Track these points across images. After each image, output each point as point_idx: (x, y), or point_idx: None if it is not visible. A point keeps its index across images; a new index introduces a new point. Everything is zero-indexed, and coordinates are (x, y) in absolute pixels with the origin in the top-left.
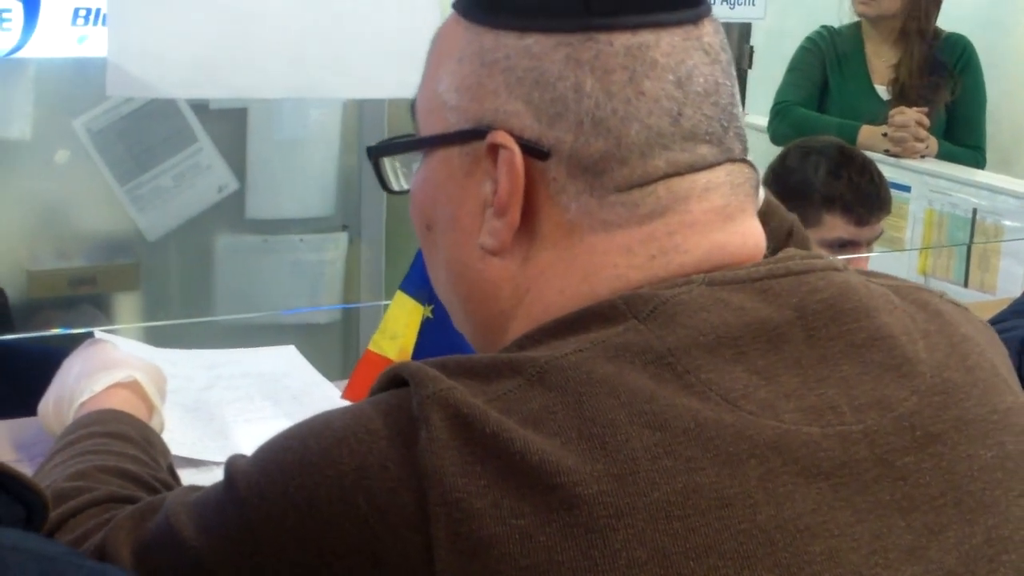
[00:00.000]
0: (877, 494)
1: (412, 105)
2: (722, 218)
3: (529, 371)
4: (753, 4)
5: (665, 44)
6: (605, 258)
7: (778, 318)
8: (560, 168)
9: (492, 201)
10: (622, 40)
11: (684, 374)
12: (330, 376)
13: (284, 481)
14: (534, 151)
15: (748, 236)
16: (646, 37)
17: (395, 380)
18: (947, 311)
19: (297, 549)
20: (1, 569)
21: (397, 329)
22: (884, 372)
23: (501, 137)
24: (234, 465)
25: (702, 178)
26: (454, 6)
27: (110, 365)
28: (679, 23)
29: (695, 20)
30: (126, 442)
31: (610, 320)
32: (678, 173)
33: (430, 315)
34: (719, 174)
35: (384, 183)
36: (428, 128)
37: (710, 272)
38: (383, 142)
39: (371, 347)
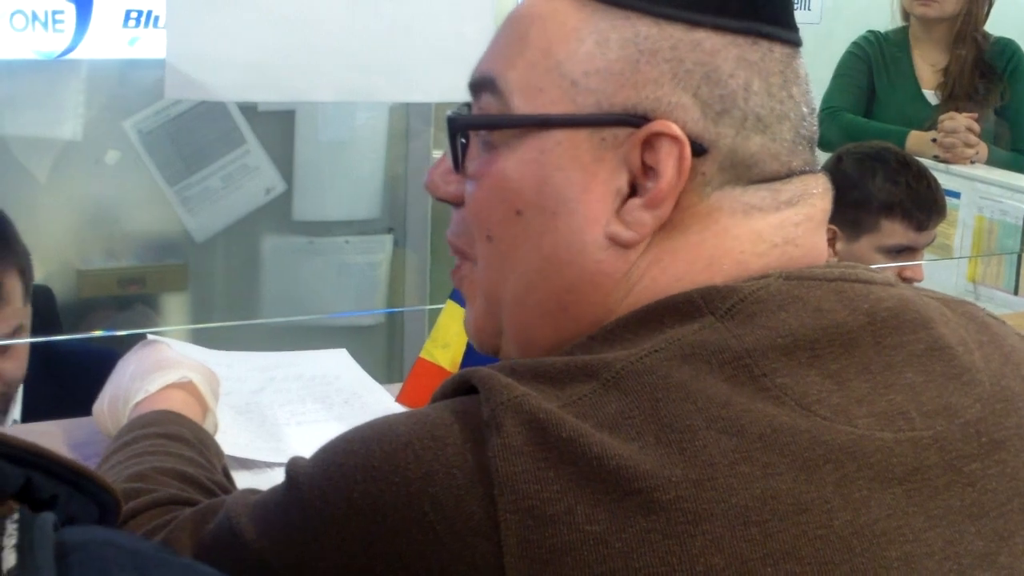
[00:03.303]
0: (948, 500)
1: (479, 81)
2: (822, 221)
3: (604, 375)
4: (809, 8)
5: (799, 60)
6: (735, 243)
7: (852, 322)
8: (713, 164)
9: (627, 190)
10: (779, 49)
11: (760, 377)
12: (376, 379)
13: (348, 486)
14: (694, 146)
15: (825, 243)
16: (791, 51)
17: (463, 386)
18: (992, 324)
19: (362, 554)
20: (100, 564)
21: (448, 338)
22: (947, 381)
23: (673, 128)
24: (296, 467)
25: (821, 179)
26: None
27: (165, 366)
28: (799, 45)
29: (800, 46)
30: (182, 444)
31: (687, 316)
32: (807, 171)
33: None
34: (828, 181)
35: (457, 159)
36: (536, 107)
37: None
38: (473, 116)
39: (423, 355)
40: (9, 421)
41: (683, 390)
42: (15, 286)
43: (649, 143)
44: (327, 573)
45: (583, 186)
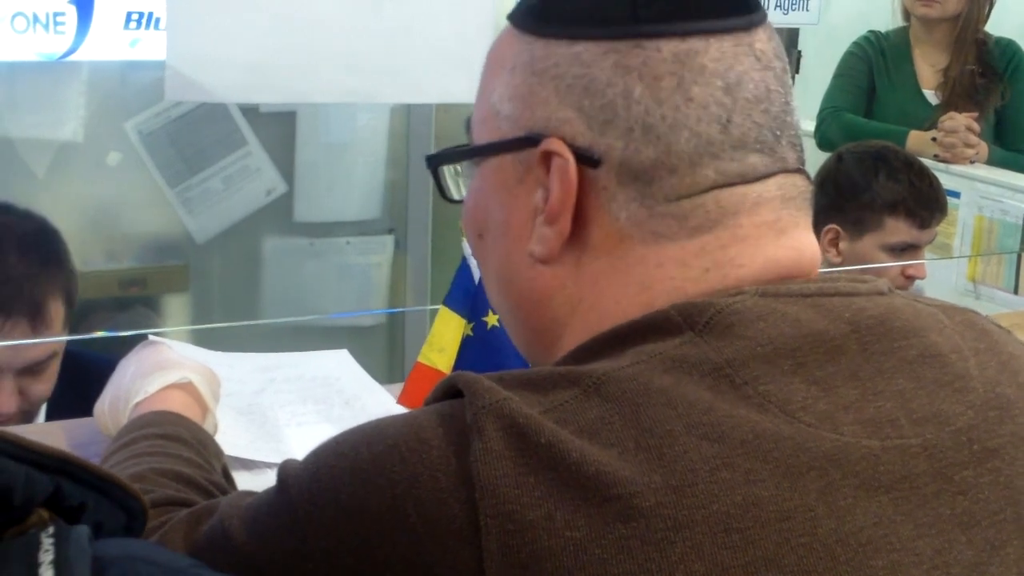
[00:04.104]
0: (937, 508)
1: (468, 121)
2: (774, 232)
3: (586, 382)
4: (807, 9)
5: (714, 50)
6: (660, 270)
7: (833, 331)
8: (611, 176)
9: (543, 208)
10: (670, 47)
11: (742, 385)
12: (377, 379)
13: (335, 488)
14: (586, 159)
15: (803, 250)
16: (695, 43)
17: (450, 390)
18: (993, 331)
19: (348, 556)
20: None
21: (444, 343)
22: (938, 388)
23: (555, 144)
24: (286, 470)
25: (752, 191)
26: (509, 17)
27: (165, 366)
28: (730, 30)
29: (747, 27)
30: (181, 444)
31: (666, 332)
32: (728, 184)
33: (470, 332)
34: (770, 187)
35: (443, 192)
36: (482, 138)
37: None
38: (441, 151)
39: (421, 359)
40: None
41: (664, 396)
42: (59, 311)
43: (545, 161)
44: (314, 575)
45: (510, 208)
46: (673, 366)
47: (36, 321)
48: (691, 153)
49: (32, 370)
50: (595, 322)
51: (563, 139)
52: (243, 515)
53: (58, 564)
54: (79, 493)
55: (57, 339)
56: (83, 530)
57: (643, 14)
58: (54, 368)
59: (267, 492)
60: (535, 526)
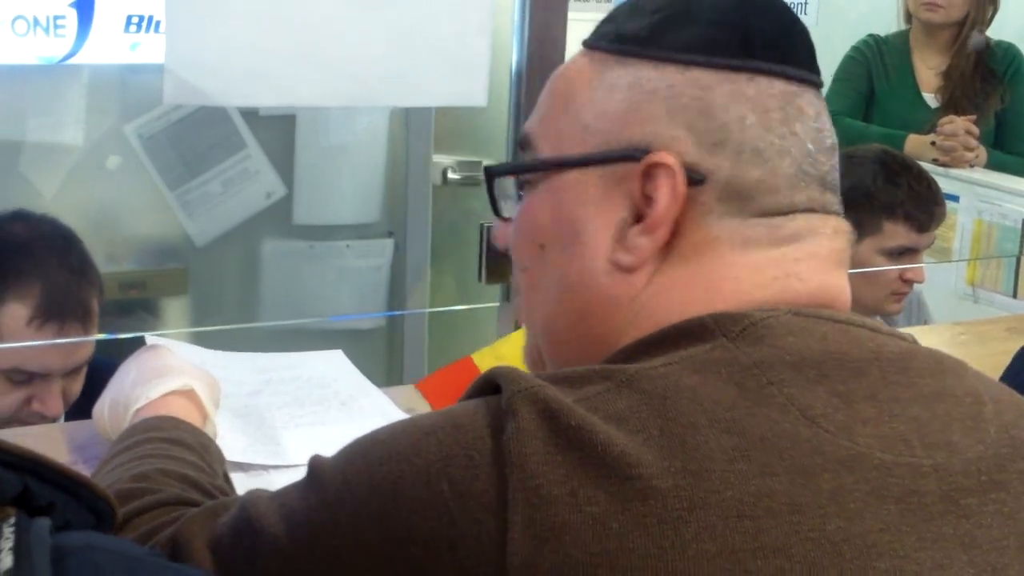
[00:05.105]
0: (941, 527)
1: (521, 140)
2: (836, 262)
3: (618, 377)
4: (805, 13)
5: (807, 97)
6: (731, 271)
7: (857, 354)
8: (711, 193)
9: (631, 220)
10: (779, 85)
11: (767, 385)
12: (376, 383)
13: (370, 470)
14: (691, 175)
15: (844, 288)
16: (795, 87)
17: (488, 385)
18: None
19: (377, 535)
20: (95, 569)
21: (503, 353)
22: (952, 421)
23: (667, 158)
24: (317, 460)
25: (832, 221)
26: (590, 44)
27: (167, 372)
28: (813, 84)
29: (818, 86)
30: (185, 448)
31: (699, 337)
32: (814, 210)
33: None
34: (843, 224)
35: (495, 206)
36: (556, 152)
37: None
38: (502, 164)
39: (474, 356)
40: None
41: (691, 392)
42: (96, 309)
43: (648, 174)
44: (338, 553)
45: (593, 218)
46: (703, 367)
47: (86, 322)
48: (791, 177)
49: (74, 372)
50: (654, 326)
51: (672, 154)
52: (269, 503)
53: (17, 550)
54: (48, 493)
55: (52, 342)
56: (44, 522)
57: (758, 53)
58: (85, 369)
59: (295, 483)
60: (559, 501)
